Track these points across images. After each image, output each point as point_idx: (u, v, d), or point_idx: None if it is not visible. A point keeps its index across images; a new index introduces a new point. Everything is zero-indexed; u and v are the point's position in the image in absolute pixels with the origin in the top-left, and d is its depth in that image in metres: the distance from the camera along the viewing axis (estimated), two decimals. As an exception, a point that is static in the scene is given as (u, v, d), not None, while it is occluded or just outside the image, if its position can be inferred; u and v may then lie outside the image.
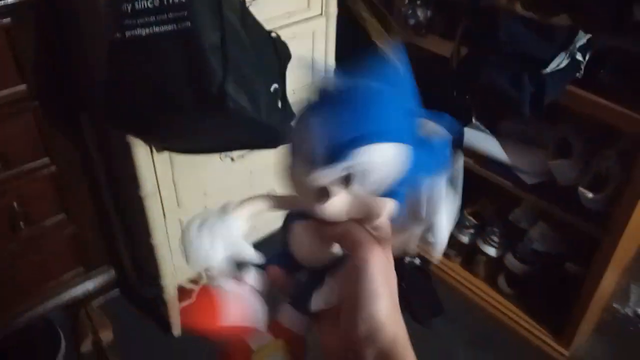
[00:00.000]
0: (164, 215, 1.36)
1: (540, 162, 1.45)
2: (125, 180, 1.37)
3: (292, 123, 0.43)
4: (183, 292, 1.56)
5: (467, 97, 1.51)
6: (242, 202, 0.44)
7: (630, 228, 1.29)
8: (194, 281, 1.57)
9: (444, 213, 0.41)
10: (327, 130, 0.38)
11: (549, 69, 1.22)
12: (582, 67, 1.23)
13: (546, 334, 1.57)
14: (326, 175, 0.39)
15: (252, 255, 0.44)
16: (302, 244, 0.44)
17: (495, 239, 1.64)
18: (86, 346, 1.53)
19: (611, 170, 1.30)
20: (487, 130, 1.53)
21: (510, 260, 1.62)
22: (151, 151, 1.24)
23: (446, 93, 1.57)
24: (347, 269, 0.40)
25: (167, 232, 1.40)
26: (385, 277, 0.39)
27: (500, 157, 1.51)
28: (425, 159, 0.40)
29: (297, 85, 1.43)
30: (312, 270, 0.45)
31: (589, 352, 1.58)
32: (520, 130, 1.53)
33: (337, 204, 0.40)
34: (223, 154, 1.38)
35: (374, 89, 0.39)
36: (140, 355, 1.53)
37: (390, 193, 0.40)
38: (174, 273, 1.48)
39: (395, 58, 0.43)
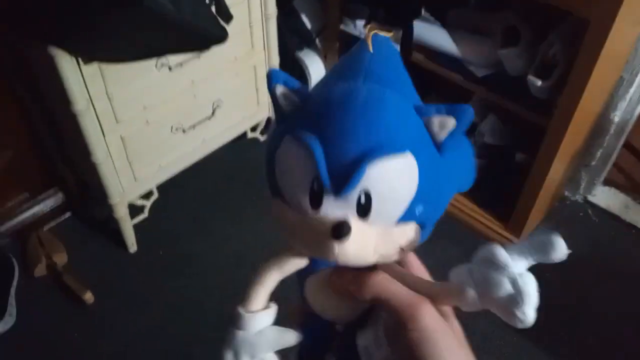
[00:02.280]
0: (103, 132, 1.30)
1: (490, 53, 1.41)
2: (55, 98, 1.29)
3: (268, 148, 0.35)
4: (134, 209, 1.53)
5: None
6: (249, 294, 0.38)
7: (578, 115, 1.28)
8: (145, 196, 1.54)
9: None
10: (329, 147, 0.31)
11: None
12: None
13: (498, 224, 1.60)
14: (340, 205, 0.32)
15: (293, 338, 0.38)
16: (322, 300, 0.38)
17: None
18: (40, 270, 1.51)
19: (557, 55, 1.28)
20: (437, 22, 1.47)
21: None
22: (78, 63, 1.16)
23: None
24: (400, 343, 0.33)
25: (108, 150, 1.34)
26: (449, 338, 0.33)
27: (450, 50, 1.46)
28: (440, 165, 0.34)
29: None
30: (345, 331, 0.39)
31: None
32: (469, 20, 1.47)
33: (359, 242, 0.32)
34: (159, 63, 1.31)
35: (375, 92, 0.33)
36: (96, 275, 1.52)
37: (408, 216, 0.33)
38: (122, 192, 1.44)
39: (382, 53, 0.36)
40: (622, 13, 1.10)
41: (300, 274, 0.38)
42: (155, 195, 1.55)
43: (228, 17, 1.28)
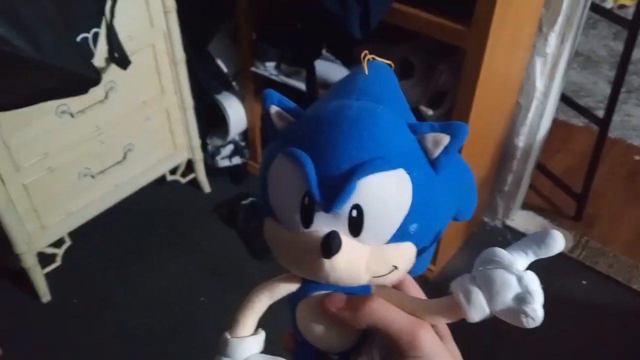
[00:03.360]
0: (2, 181, 1.30)
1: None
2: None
3: (261, 167, 0.35)
4: (46, 258, 1.51)
5: (311, 28, 1.49)
6: (237, 319, 0.36)
7: (473, 140, 1.32)
8: (57, 244, 1.52)
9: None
10: (320, 162, 0.31)
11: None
12: (404, -18, 1.23)
13: (415, 253, 1.62)
14: (331, 222, 0.31)
15: None
16: (315, 328, 0.36)
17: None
18: (-53, 326, 1.46)
19: (446, 84, 1.32)
20: (338, 61, 1.52)
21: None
22: (-33, 113, 1.17)
23: (292, 26, 1.55)
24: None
25: (10, 199, 1.33)
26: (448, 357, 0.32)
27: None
28: (434, 183, 0.33)
29: (133, 31, 1.39)
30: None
31: (457, 265, 1.65)
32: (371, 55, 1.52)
33: (350, 259, 0.32)
34: (58, 110, 1.32)
35: (367, 108, 0.33)
36: (7, 327, 1.48)
37: (402, 235, 0.32)
38: (29, 240, 1.42)
39: (377, 75, 0.37)
40: (494, 41, 1.16)
41: (292, 300, 0.36)
42: (68, 243, 1.54)
43: (125, 63, 1.31)
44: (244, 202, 1.76)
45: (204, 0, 1.72)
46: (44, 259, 1.51)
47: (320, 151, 0.31)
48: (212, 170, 1.87)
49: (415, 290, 0.37)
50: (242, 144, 1.93)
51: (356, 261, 0.32)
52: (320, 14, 1.27)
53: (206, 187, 1.85)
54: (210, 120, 1.84)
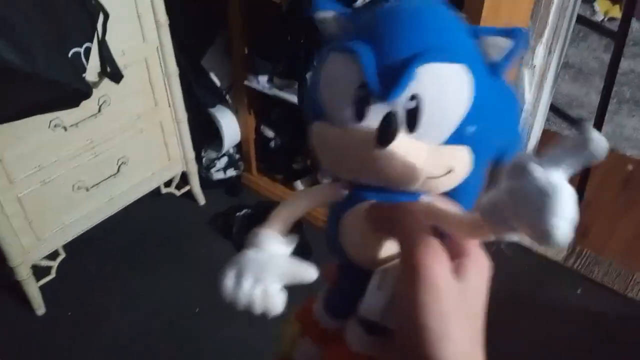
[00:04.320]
0: (-4, 193, 1.31)
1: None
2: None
3: (313, 71, 0.34)
4: (40, 270, 1.52)
5: (302, 40, 1.51)
6: (271, 216, 0.35)
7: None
8: (51, 257, 1.53)
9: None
10: (378, 52, 0.29)
11: (359, 2, 1.23)
12: None
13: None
14: (388, 107, 0.29)
15: (310, 274, 0.34)
16: (356, 237, 0.34)
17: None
18: (-59, 339, 1.47)
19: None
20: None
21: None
22: (-39, 127, 1.18)
23: (282, 39, 1.57)
24: (398, 281, 0.30)
25: (4, 212, 1.34)
26: (454, 299, 0.28)
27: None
28: (493, 88, 0.31)
29: (126, 45, 1.41)
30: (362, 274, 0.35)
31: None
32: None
33: (406, 155, 0.30)
34: (52, 124, 1.33)
35: (428, 2, 0.32)
36: (4, 338, 1.48)
37: (459, 137, 0.30)
38: (24, 253, 1.43)
39: None
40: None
41: (335, 213, 0.34)
42: (62, 255, 1.55)
43: (117, 77, 1.32)
44: (238, 214, 1.77)
45: (196, 15, 1.74)
46: (39, 271, 1.51)
47: (377, 41, 0.30)
48: (206, 182, 1.89)
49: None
50: (237, 156, 1.95)
51: (412, 155, 0.30)
52: (310, 28, 1.29)
53: (201, 200, 1.86)
54: (205, 133, 1.86)
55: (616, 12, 2.80)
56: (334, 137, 0.32)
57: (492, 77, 0.31)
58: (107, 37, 1.27)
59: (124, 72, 1.33)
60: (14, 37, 0.90)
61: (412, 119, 0.29)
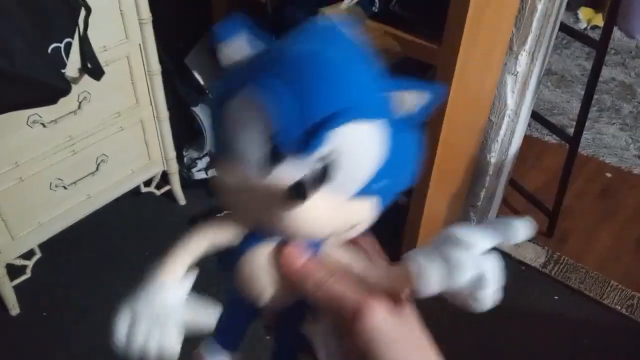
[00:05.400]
0: (-29, 190, 1.28)
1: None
2: None
3: (215, 102, 0.32)
4: (15, 270, 1.49)
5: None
6: (167, 260, 0.34)
7: (444, 155, 1.34)
8: (26, 256, 1.50)
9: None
10: (292, 104, 0.28)
11: (344, 5, 1.23)
12: (377, 0, 1.24)
13: (389, 267, 1.62)
14: (297, 168, 0.29)
15: (210, 320, 0.35)
16: (263, 281, 0.34)
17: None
18: None
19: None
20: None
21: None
22: None
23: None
24: (350, 346, 0.31)
25: (-21, 209, 1.32)
26: (408, 341, 0.30)
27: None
28: (403, 141, 0.32)
29: (108, 42, 1.39)
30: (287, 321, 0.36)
31: (432, 280, 1.65)
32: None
33: (313, 211, 0.30)
34: (30, 120, 1.31)
35: (345, 55, 0.30)
36: (-26, 340, 1.45)
37: (368, 190, 0.31)
38: (-3, 251, 1.40)
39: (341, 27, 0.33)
40: (464, 59, 1.18)
41: (229, 256, 0.35)
42: (38, 255, 1.52)
43: (98, 74, 1.30)
44: (219, 215, 1.75)
45: (180, 13, 1.73)
46: (13, 270, 1.48)
47: (295, 91, 0.28)
48: (187, 182, 1.87)
49: (373, 253, 0.36)
50: (219, 156, 1.93)
51: (320, 214, 0.30)
52: (294, 27, 1.29)
53: (181, 200, 1.85)
54: (187, 133, 1.84)
55: (599, 20, 2.84)
56: (239, 182, 0.31)
57: (403, 131, 0.32)
58: (88, 33, 1.25)
59: (105, 69, 1.31)
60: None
61: (323, 176, 0.29)
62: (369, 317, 0.30)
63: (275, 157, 0.29)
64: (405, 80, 0.32)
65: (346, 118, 0.28)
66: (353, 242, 0.35)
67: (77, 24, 1.22)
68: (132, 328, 0.33)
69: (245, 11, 1.54)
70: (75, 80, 1.30)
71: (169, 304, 0.33)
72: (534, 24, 1.35)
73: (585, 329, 1.57)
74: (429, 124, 1.29)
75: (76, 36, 1.21)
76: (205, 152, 1.88)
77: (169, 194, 1.82)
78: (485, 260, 0.30)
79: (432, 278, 0.30)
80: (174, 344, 0.33)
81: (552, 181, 1.83)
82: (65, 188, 1.47)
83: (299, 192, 0.28)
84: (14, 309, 1.51)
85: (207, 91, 1.82)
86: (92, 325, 1.50)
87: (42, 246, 1.52)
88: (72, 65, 1.22)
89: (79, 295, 1.58)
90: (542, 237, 1.80)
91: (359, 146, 0.29)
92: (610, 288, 1.65)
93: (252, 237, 0.34)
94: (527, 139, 1.67)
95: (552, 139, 2.18)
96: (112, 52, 1.41)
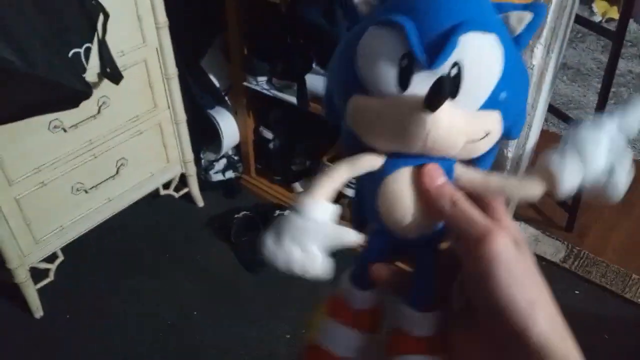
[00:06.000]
0: (-6, 195, 1.30)
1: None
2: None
3: (346, 45, 0.34)
4: (39, 273, 1.51)
5: (300, 41, 1.51)
6: (313, 184, 0.35)
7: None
8: (49, 259, 1.52)
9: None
10: (419, 23, 0.31)
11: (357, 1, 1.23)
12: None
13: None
14: (428, 81, 0.31)
15: (352, 237, 0.34)
16: (398, 204, 0.34)
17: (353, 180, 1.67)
18: (-62, 342, 1.46)
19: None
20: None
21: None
22: (-41, 128, 1.18)
23: (283, 41, 1.57)
24: (470, 274, 0.32)
25: (2, 213, 1.34)
26: (526, 272, 0.31)
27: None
28: (517, 58, 0.34)
29: (126, 46, 1.41)
30: (419, 254, 0.36)
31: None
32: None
33: (449, 117, 0.32)
34: (51, 125, 1.33)
35: None
36: (1, 341, 1.48)
37: (492, 102, 0.33)
38: (21, 255, 1.42)
39: None
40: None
41: (372, 181, 0.35)
42: (61, 258, 1.54)
43: (117, 78, 1.32)
44: (237, 216, 1.77)
45: (195, 16, 1.74)
46: (37, 274, 1.51)
47: (417, 14, 0.31)
48: (205, 184, 1.88)
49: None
50: (235, 158, 1.94)
51: (455, 120, 0.32)
52: (309, 29, 1.30)
53: (199, 202, 1.86)
54: (204, 135, 1.86)
55: (614, 13, 2.81)
56: (377, 107, 0.33)
57: (515, 48, 0.34)
58: (106, 38, 1.27)
59: (123, 73, 1.33)
60: (14, 38, 0.90)
61: (455, 85, 0.31)
62: (494, 242, 0.31)
63: (411, 72, 0.31)
64: (507, 2, 0.34)
65: (465, 29, 0.31)
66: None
67: (96, 30, 1.24)
68: (279, 238, 0.33)
69: (259, 12, 1.55)
70: (95, 85, 1.32)
71: (315, 220, 0.33)
72: (549, 15, 1.35)
73: (606, 323, 1.56)
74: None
75: (95, 41, 1.23)
76: (222, 154, 1.90)
77: (187, 197, 1.84)
78: (615, 140, 0.32)
79: (570, 172, 0.32)
80: (318, 256, 0.33)
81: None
82: (86, 192, 1.49)
83: (434, 100, 0.30)
84: (38, 311, 1.54)
85: (222, 93, 1.84)
86: (114, 328, 1.52)
87: (64, 249, 1.54)
88: (92, 70, 1.24)
89: (100, 298, 1.60)
90: (561, 231, 1.79)
91: (481, 56, 0.32)
92: (632, 282, 1.63)
93: (392, 161, 0.35)
94: (543, 133, 1.66)
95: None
96: (130, 57, 1.43)
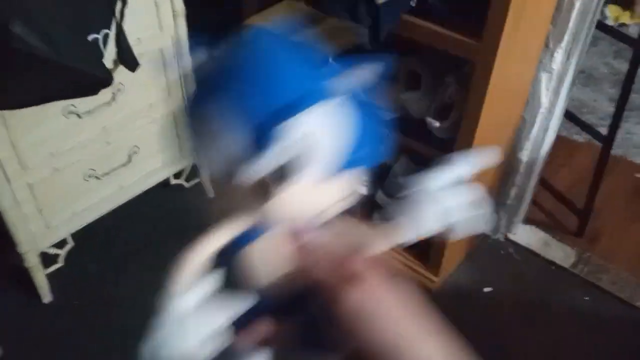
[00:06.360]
0: (8, 180, 1.30)
1: (393, 97, 1.46)
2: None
3: (189, 121, 0.35)
4: (48, 258, 1.51)
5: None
6: (177, 271, 0.36)
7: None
8: (59, 245, 1.52)
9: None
10: (239, 113, 0.31)
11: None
12: (415, -5, 1.24)
13: (417, 263, 1.61)
14: (257, 170, 0.32)
15: (222, 319, 0.36)
16: (269, 265, 0.36)
17: (365, 178, 1.66)
18: (-54, 324, 1.46)
19: (454, 97, 1.33)
20: (346, 69, 1.52)
21: (381, 197, 1.64)
22: (-24, 111, 1.17)
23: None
24: (345, 321, 0.33)
25: (15, 198, 1.33)
26: (389, 313, 0.32)
27: (360, 95, 1.51)
28: (367, 112, 0.34)
29: (143, 34, 1.39)
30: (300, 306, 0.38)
31: (460, 277, 1.65)
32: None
33: (296, 194, 0.33)
34: (66, 110, 1.32)
35: (273, 52, 0.34)
36: (7, 327, 1.47)
37: (347, 164, 0.33)
38: (32, 240, 1.42)
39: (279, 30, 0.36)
40: (503, 56, 1.16)
41: (234, 249, 0.37)
42: (71, 244, 1.54)
43: (133, 65, 1.31)
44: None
45: (212, 5, 1.73)
46: (47, 259, 1.50)
47: (239, 100, 0.32)
48: (215, 175, 1.88)
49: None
50: (246, 150, 1.94)
51: (302, 197, 0.33)
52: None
53: (210, 192, 1.85)
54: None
55: (626, 18, 2.79)
56: (229, 187, 0.35)
57: (364, 104, 0.34)
58: (123, 24, 1.25)
59: (139, 61, 1.32)
60: (39, 24, 0.89)
61: (296, 165, 0.31)
62: (345, 300, 0.32)
63: (244, 157, 0.32)
64: (353, 59, 0.35)
65: (293, 109, 0.30)
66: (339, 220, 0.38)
67: (114, 16, 1.22)
68: (156, 342, 0.36)
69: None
70: (111, 72, 1.31)
71: (182, 313, 0.35)
72: (572, 20, 1.33)
73: (616, 330, 1.55)
74: (466, 122, 1.28)
75: (113, 27, 1.22)
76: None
77: (198, 186, 1.83)
78: (445, 193, 0.35)
79: (409, 228, 0.35)
80: (195, 349, 0.34)
81: (581, 180, 1.81)
82: (98, 179, 1.49)
83: (276, 181, 0.31)
84: (46, 296, 1.53)
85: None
86: (122, 314, 1.52)
87: (74, 235, 1.54)
88: (108, 56, 1.23)
89: (108, 284, 1.60)
90: (571, 236, 1.78)
91: (320, 128, 0.31)
92: (641, 289, 1.63)
93: (251, 231, 0.37)
94: (555, 137, 1.65)
95: (580, 137, 2.15)
96: (146, 44, 1.41)
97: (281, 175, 0.31)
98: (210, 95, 0.33)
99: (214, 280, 0.37)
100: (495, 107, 1.29)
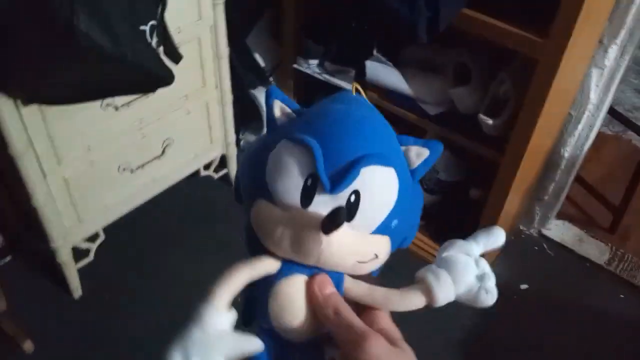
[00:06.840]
0: (44, 174, 1.24)
1: (441, 91, 1.42)
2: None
3: (256, 151, 0.37)
4: (79, 252, 1.46)
5: (365, 27, 1.44)
6: (214, 290, 0.36)
7: (529, 151, 1.30)
8: (91, 239, 1.47)
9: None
10: (327, 150, 0.34)
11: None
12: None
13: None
14: (330, 203, 0.34)
15: (256, 346, 0.36)
16: (292, 310, 0.37)
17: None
18: (-24, 320, 1.41)
19: (507, 93, 1.29)
20: (389, 62, 1.47)
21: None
22: (16, 104, 1.11)
23: (347, 26, 1.50)
24: None
25: (50, 193, 1.28)
26: None
27: (402, 89, 1.47)
28: (411, 189, 0.37)
29: (182, 23, 1.33)
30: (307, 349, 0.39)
31: (495, 271, 1.63)
32: (421, 58, 1.48)
33: (343, 238, 0.35)
34: (104, 103, 1.26)
35: (369, 114, 0.37)
36: (38, 322, 1.43)
37: (384, 229, 0.36)
38: (65, 234, 1.37)
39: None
40: (569, 54, 1.12)
41: (266, 284, 0.37)
42: (102, 238, 1.49)
43: (177, 57, 1.25)
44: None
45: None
46: (78, 253, 1.46)
47: (327, 141, 0.34)
48: (243, 165, 1.83)
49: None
50: (274, 139, 1.89)
51: (348, 243, 0.35)
52: (385, 16, 1.23)
53: (238, 183, 1.81)
54: (244, 115, 1.79)
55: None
56: (278, 218, 0.35)
57: (411, 180, 0.37)
58: (165, 14, 1.19)
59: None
60: (103, 19, 0.83)
61: (351, 210, 0.34)
62: (368, 346, 0.33)
63: (312, 192, 0.34)
64: (409, 137, 0.38)
65: (369, 162, 0.33)
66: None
67: (159, 5, 1.16)
68: (185, 351, 0.35)
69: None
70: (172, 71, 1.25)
71: (217, 333, 0.35)
72: (629, 17, 1.29)
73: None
74: (522, 120, 1.24)
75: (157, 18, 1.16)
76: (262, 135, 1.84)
77: (226, 178, 1.78)
78: (481, 260, 0.37)
79: (446, 284, 0.36)
80: None
81: (611, 174, 1.79)
82: (131, 171, 1.43)
83: (330, 225, 0.32)
84: (77, 291, 1.49)
85: (266, 72, 1.77)
86: (152, 309, 1.48)
87: (105, 229, 1.49)
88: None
89: (139, 278, 1.56)
90: (604, 232, 1.77)
91: (378, 187, 0.34)
92: (676, 288, 1.62)
93: (287, 266, 0.37)
94: (599, 134, 1.62)
95: (607, 130, 2.13)
96: (185, 34, 1.35)
97: (340, 214, 0.32)
98: (299, 133, 0.35)
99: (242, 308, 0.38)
100: (553, 106, 1.25)
